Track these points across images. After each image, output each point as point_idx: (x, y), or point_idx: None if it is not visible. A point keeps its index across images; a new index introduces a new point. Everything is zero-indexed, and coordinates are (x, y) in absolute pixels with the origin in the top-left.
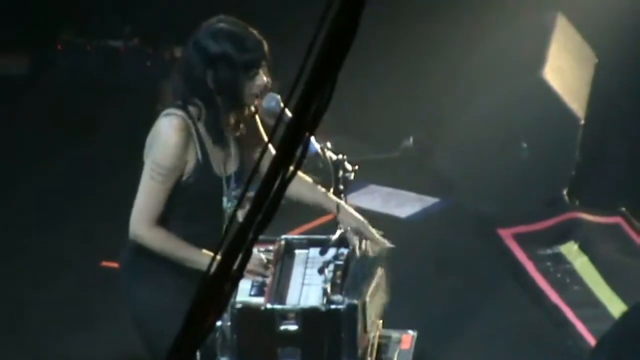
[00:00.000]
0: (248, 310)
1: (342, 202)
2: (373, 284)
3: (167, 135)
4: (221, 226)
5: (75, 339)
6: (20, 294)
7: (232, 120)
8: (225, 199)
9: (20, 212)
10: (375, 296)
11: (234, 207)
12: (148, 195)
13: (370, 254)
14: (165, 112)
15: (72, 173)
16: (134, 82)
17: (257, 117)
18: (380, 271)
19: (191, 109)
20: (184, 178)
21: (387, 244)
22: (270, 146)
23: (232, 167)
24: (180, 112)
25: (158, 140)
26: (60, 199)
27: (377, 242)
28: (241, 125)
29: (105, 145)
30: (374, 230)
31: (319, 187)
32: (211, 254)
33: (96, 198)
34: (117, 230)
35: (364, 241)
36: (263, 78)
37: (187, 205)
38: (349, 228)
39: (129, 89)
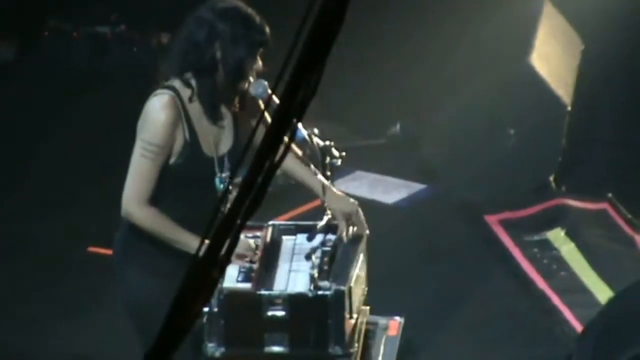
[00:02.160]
0: (235, 295)
1: (331, 186)
2: (356, 270)
3: (155, 113)
4: (213, 206)
5: (64, 325)
6: (10, 281)
7: (228, 96)
8: (217, 180)
9: (7, 198)
10: (357, 282)
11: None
12: (139, 174)
13: (355, 239)
14: (154, 93)
15: (60, 159)
16: (121, 69)
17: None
18: (361, 257)
19: (183, 89)
20: (173, 160)
21: (366, 230)
22: (266, 115)
23: (225, 146)
24: (169, 92)
25: (147, 119)
26: (48, 185)
27: (363, 227)
28: (235, 104)
29: (93, 131)
30: (362, 215)
31: (312, 168)
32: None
33: (84, 184)
34: (105, 216)
35: (350, 227)
36: (259, 62)
37: (178, 189)
38: (338, 212)
39: (116, 75)
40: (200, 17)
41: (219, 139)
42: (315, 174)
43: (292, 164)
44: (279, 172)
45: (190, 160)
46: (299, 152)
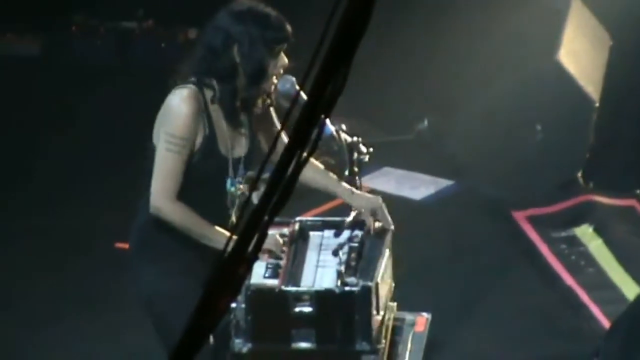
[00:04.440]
0: (262, 292)
1: (353, 188)
2: (383, 266)
3: (178, 107)
4: (222, 207)
5: (89, 321)
6: (32, 275)
7: (250, 100)
8: (229, 181)
9: (35, 193)
10: (384, 277)
11: (237, 190)
12: (166, 168)
13: (380, 234)
14: (175, 88)
15: (86, 154)
16: (148, 64)
17: (271, 109)
18: (387, 252)
19: (204, 89)
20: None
21: (391, 225)
22: (282, 134)
23: (241, 150)
24: (190, 85)
25: (170, 113)
26: (74, 180)
27: (388, 222)
28: (256, 107)
29: (119, 126)
30: (386, 211)
31: (330, 173)
32: (228, 233)
33: (110, 178)
34: (130, 211)
35: (376, 222)
36: (284, 59)
37: (190, 186)
38: (365, 209)
39: (142, 70)
40: (216, 24)
41: (234, 143)
42: (336, 178)
43: (311, 173)
44: (298, 184)
45: (207, 157)
46: (316, 162)
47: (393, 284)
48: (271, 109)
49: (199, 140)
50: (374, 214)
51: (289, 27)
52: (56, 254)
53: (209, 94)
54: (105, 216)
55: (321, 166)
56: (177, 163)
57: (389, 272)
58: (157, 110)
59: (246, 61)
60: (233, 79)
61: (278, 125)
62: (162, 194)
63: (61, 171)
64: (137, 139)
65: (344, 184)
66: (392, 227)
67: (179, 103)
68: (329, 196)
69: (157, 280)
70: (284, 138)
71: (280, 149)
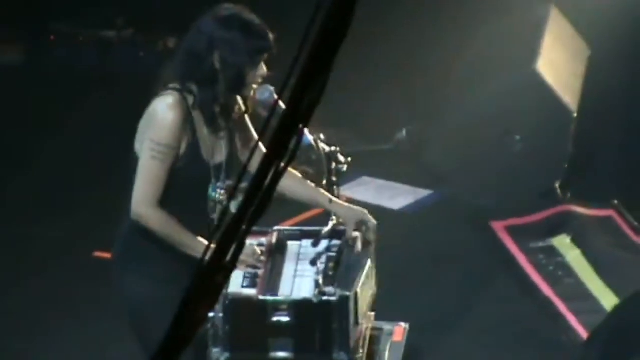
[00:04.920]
0: (240, 301)
1: (337, 199)
2: (363, 275)
3: (164, 114)
4: (204, 213)
5: (71, 329)
6: (13, 284)
7: (229, 106)
8: (210, 188)
9: (14, 202)
10: (365, 287)
11: (219, 195)
12: (150, 175)
13: (360, 245)
14: (159, 95)
15: (66, 163)
16: (127, 72)
17: (246, 116)
18: (369, 262)
19: (186, 95)
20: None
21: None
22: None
23: (221, 156)
24: (174, 92)
25: (155, 120)
26: (53, 189)
27: (374, 232)
28: (234, 114)
29: (98, 135)
30: (372, 221)
31: (309, 182)
32: (207, 242)
33: (89, 188)
34: (110, 220)
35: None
36: (264, 68)
37: (174, 193)
38: (350, 221)
39: (122, 79)
40: (200, 28)
41: (215, 148)
42: (317, 188)
43: (292, 183)
44: (278, 194)
45: (191, 163)
46: (296, 173)
47: (374, 295)
48: (246, 116)
49: (183, 146)
50: (359, 226)
51: (272, 37)
52: (36, 263)
53: (191, 99)
54: (87, 225)
55: (298, 175)
56: (161, 171)
57: (371, 282)
58: (139, 118)
59: (226, 68)
60: (213, 84)
61: (254, 133)
62: (143, 201)
63: (42, 179)
64: (120, 146)
65: (324, 192)
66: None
67: (164, 110)
68: (306, 206)
69: (140, 287)
70: (262, 148)
71: (258, 158)
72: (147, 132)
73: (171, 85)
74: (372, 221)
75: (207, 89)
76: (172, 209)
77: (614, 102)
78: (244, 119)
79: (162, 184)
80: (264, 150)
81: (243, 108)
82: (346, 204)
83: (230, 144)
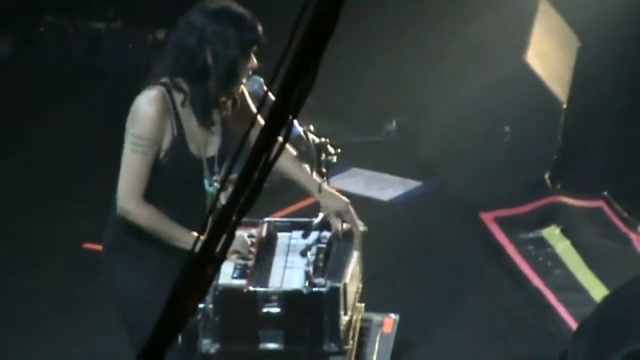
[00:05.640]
0: (230, 292)
1: (324, 185)
2: (351, 267)
3: (144, 108)
4: (203, 208)
5: (62, 323)
6: (3, 277)
7: (222, 100)
8: (206, 182)
9: (2, 196)
10: (353, 279)
11: (214, 189)
12: (132, 169)
13: (348, 236)
14: (144, 89)
15: (54, 155)
16: (116, 65)
17: (245, 94)
18: (356, 254)
19: (174, 89)
20: (162, 156)
21: (362, 227)
22: (259, 117)
23: (213, 149)
24: (158, 87)
25: (137, 114)
26: (43, 181)
27: (355, 224)
28: (226, 110)
29: (88, 128)
30: (354, 213)
31: (305, 166)
32: (196, 234)
33: (79, 180)
34: (100, 212)
35: (344, 223)
36: (254, 60)
37: (167, 189)
38: (331, 210)
39: (110, 71)
40: (190, 22)
41: (207, 142)
42: (310, 173)
43: (287, 163)
44: (273, 169)
45: (178, 159)
46: (294, 152)
47: (361, 286)
48: (248, 100)
49: (166, 141)
50: (340, 216)
51: (261, 28)
52: (26, 257)
53: (178, 95)
54: (76, 219)
55: (295, 156)
56: (143, 164)
57: (358, 273)
58: (127, 111)
59: (219, 62)
60: (205, 79)
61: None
62: (128, 194)
63: (31, 173)
64: (108, 138)
65: (315, 177)
66: (363, 228)
67: (145, 104)
68: (297, 197)
69: (130, 279)
70: (261, 121)
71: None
72: (129, 126)
73: (157, 81)
74: (351, 215)
75: (199, 84)
76: (162, 204)
77: (603, 93)
78: (244, 98)
79: (145, 177)
80: (262, 122)
81: (238, 102)
82: (333, 192)
83: (224, 136)
